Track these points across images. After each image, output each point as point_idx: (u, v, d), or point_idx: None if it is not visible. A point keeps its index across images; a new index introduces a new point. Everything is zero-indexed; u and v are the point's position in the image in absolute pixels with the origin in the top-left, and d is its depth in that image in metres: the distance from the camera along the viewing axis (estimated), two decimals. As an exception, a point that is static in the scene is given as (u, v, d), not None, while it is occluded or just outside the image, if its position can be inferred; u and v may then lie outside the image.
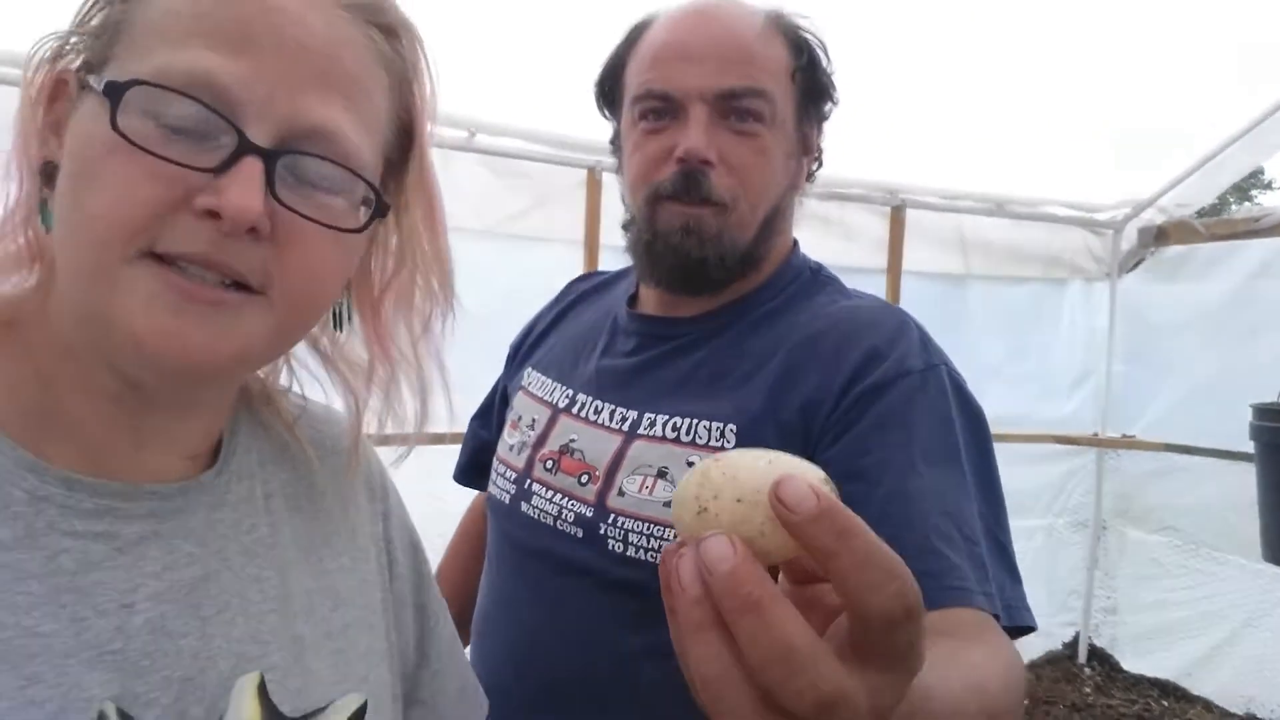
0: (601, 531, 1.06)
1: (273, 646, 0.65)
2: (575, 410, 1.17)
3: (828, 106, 1.21)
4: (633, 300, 1.27)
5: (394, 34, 0.63)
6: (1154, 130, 3.56)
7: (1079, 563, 4.34)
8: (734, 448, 1.01)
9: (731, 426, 1.04)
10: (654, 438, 1.07)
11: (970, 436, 1.02)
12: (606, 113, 1.24)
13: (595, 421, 1.14)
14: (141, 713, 0.57)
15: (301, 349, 0.74)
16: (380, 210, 0.62)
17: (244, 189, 0.54)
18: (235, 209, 0.53)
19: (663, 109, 1.10)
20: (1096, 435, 4.26)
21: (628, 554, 1.03)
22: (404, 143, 0.67)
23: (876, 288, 3.66)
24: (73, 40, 0.60)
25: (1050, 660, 4.39)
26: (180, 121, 0.54)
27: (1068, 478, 4.29)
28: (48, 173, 0.59)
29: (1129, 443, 4.18)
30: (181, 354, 0.55)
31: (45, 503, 0.57)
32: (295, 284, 0.59)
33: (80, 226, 0.55)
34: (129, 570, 0.59)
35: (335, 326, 0.71)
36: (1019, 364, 4.10)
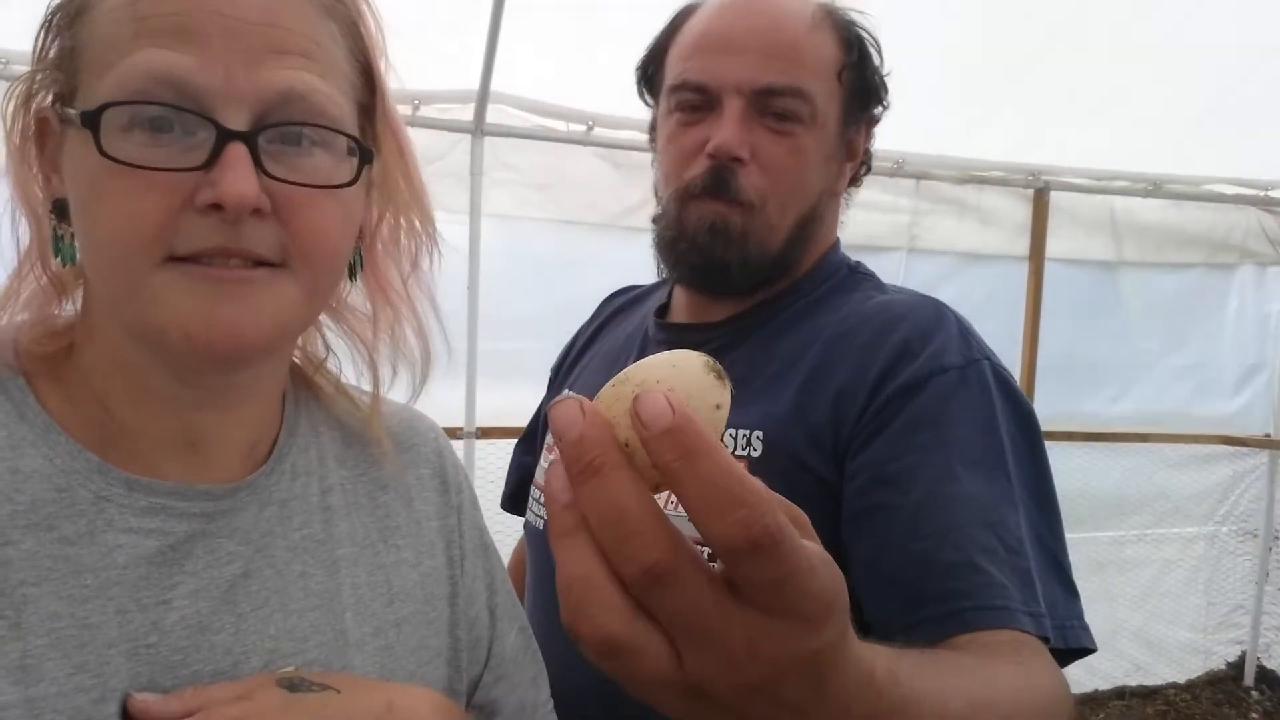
0: None
1: (311, 643, 0.67)
2: None
3: (878, 109, 1.13)
4: (663, 311, 1.23)
5: None
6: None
7: (1248, 575, 4.04)
8: (759, 454, 0.97)
9: (759, 433, 0.98)
10: None
11: (1018, 438, 0.94)
12: (648, 99, 1.19)
13: None
14: None
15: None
16: (367, 156, 0.63)
17: (236, 176, 0.56)
18: (234, 197, 0.55)
19: (699, 101, 1.05)
20: (1268, 436, 3.93)
21: None
22: (368, 84, 0.67)
23: (1017, 276, 3.43)
24: (38, 78, 0.62)
25: (1212, 681, 4.06)
26: (158, 124, 0.56)
27: (1234, 482, 3.99)
28: (61, 209, 0.62)
29: (1307, 445, 3.85)
30: (230, 334, 0.58)
31: (107, 502, 0.61)
32: (309, 247, 0.61)
33: (102, 250, 0.58)
34: (171, 567, 0.62)
35: (350, 277, 0.72)
36: (1176, 357, 3.82)
